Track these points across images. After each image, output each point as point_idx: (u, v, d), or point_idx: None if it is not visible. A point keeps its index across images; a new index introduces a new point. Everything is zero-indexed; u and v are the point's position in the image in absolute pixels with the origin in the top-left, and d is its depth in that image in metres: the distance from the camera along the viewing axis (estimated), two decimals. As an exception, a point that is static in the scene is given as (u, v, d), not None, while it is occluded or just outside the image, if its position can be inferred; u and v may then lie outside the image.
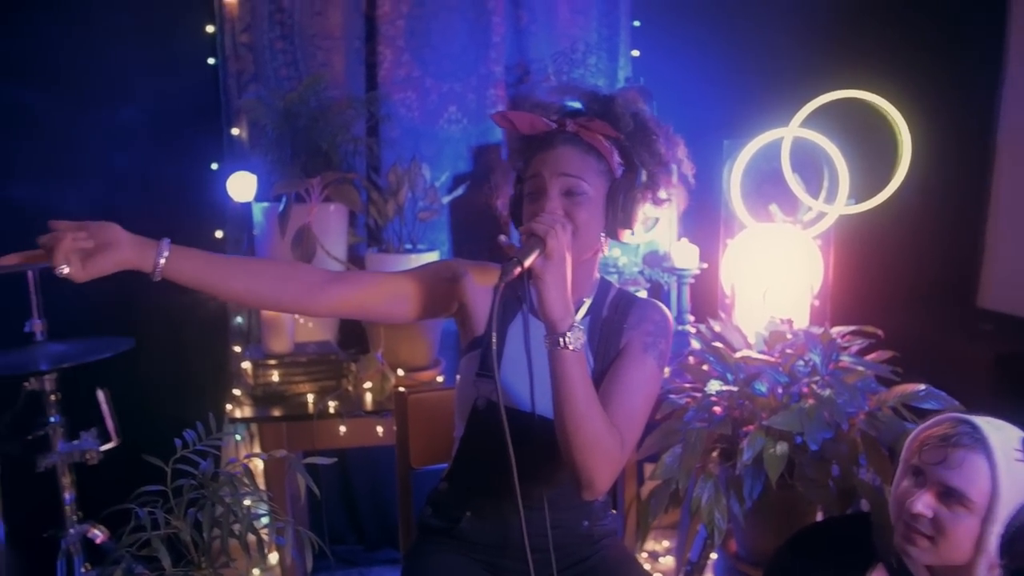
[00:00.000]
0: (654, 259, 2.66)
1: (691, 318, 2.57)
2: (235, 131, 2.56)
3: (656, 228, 2.59)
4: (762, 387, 1.94)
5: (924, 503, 1.28)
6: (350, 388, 2.18)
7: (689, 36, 2.76)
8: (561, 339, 1.20)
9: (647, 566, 2.51)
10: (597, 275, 1.46)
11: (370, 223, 2.49)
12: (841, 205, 2.36)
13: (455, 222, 2.70)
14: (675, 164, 1.38)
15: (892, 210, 2.38)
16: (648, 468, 2.23)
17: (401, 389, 1.77)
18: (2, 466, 1.74)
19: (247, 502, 1.52)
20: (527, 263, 1.19)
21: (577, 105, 1.38)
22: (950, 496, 1.27)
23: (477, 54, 2.65)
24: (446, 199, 2.49)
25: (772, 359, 1.99)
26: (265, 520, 1.52)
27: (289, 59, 2.57)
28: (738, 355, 2.02)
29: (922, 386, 1.89)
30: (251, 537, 1.50)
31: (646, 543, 2.50)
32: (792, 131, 2.34)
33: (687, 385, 2.07)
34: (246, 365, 2.19)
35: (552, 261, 1.19)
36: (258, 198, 2.38)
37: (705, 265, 2.58)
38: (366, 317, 1.60)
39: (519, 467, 1.18)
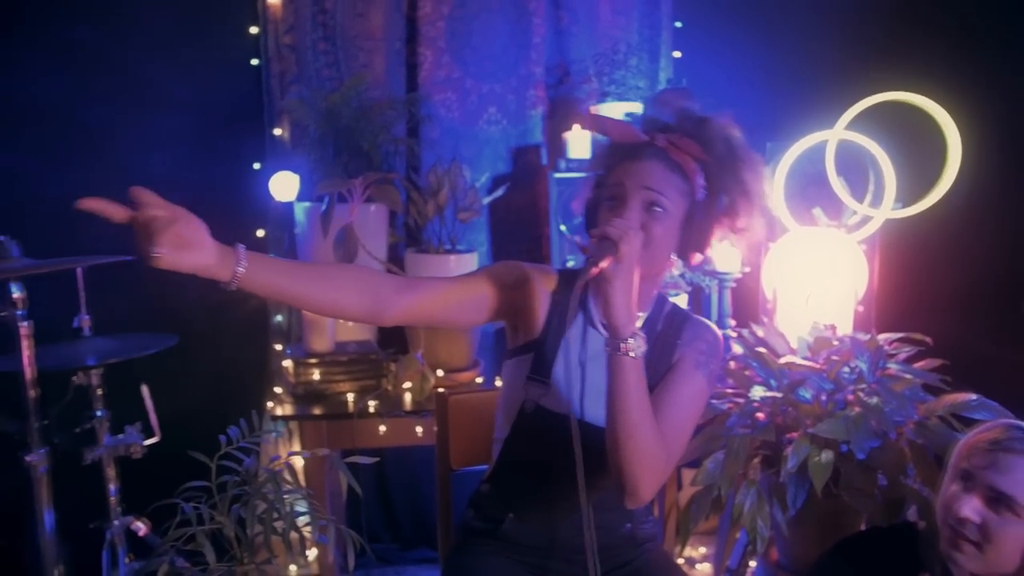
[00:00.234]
0: (695, 262, 2.63)
1: (732, 322, 2.54)
2: (277, 131, 2.58)
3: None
4: (806, 394, 1.90)
5: (972, 507, 1.25)
6: (390, 388, 2.19)
7: (731, 37, 2.73)
8: (622, 344, 1.20)
9: (684, 572, 2.48)
10: (655, 291, 1.45)
11: (409, 223, 2.50)
12: (887, 209, 2.31)
13: (494, 223, 2.71)
14: (758, 196, 1.36)
15: (939, 214, 2.33)
16: (686, 474, 2.21)
17: (441, 390, 1.77)
18: (52, 458, 1.77)
19: (288, 499, 1.53)
20: (602, 265, 1.19)
21: (667, 120, 1.36)
22: (999, 501, 1.24)
23: (517, 55, 2.65)
24: (486, 200, 2.49)
25: (817, 365, 1.96)
26: (305, 518, 1.54)
27: (331, 60, 2.59)
28: (782, 360, 1.99)
29: (973, 396, 1.84)
30: (293, 534, 1.51)
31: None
32: (837, 133, 2.30)
33: (729, 390, 2.04)
34: (287, 363, 2.21)
35: (622, 266, 1.19)
36: (299, 197, 2.40)
37: (747, 269, 2.54)
38: (434, 325, 1.59)
39: (566, 472, 1.20)
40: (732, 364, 2.07)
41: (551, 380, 1.39)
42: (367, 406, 2.10)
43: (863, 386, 1.89)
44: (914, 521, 1.75)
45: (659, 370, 1.38)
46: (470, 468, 1.75)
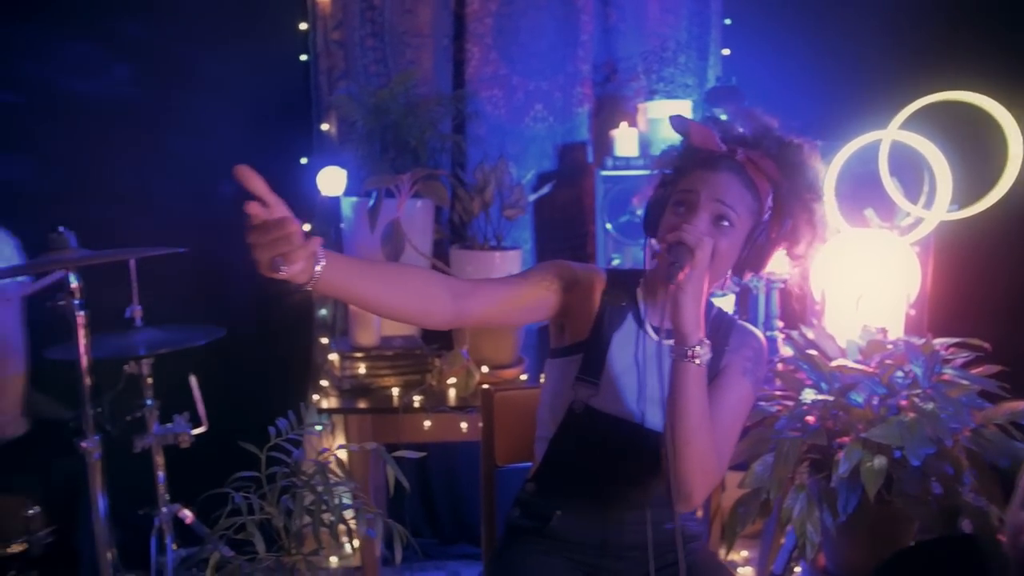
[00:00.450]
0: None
1: (780, 324, 2.50)
2: (325, 126, 2.60)
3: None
4: (858, 398, 1.86)
5: None
6: (434, 383, 2.19)
7: (782, 34, 2.69)
8: (689, 351, 1.20)
9: None
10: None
11: (455, 219, 2.50)
12: (942, 211, 2.26)
13: (539, 220, 2.70)
14: (822, 228, 1.35)
15: (997, 217, 2.26)
16: (730, 477, 2.17)
17: (486, 386, 1.77)
18: (104, 445, 1.80)
19: (336, 492, 1.54)
20: (686, 271, 1.19)
21: (748, 135, 1.35)
22: None
23: (565, 52, 2.64)
24: (532, 197, 2.49)
25: (869, 369, 1.92)
26: (351, 511, 1.55)
27: (379, 56, 2.61)
28: (834, 364, 1.95)
29: (1033, 404, 1.79)
30: (340, 526, 1.52)
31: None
32: (891, 134, 2.25)
33: (778, 392, 2.01)
34: (333, 357, 2.22)
35: (695, 273, 1.19)
36: (346, 192, 2.42)
37: (796, 269, 2.50)
38: (491, 326, 1.60)
39: (615, 472, 1.23)
40: (780, 366, 2.04)
41: (601, 381, 1.39)
42: (412, 401, 2.11)
43: (918, 391, 1.85)
44: (972, 534, 1.71)
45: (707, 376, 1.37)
46: (513, 465, 1.74)
